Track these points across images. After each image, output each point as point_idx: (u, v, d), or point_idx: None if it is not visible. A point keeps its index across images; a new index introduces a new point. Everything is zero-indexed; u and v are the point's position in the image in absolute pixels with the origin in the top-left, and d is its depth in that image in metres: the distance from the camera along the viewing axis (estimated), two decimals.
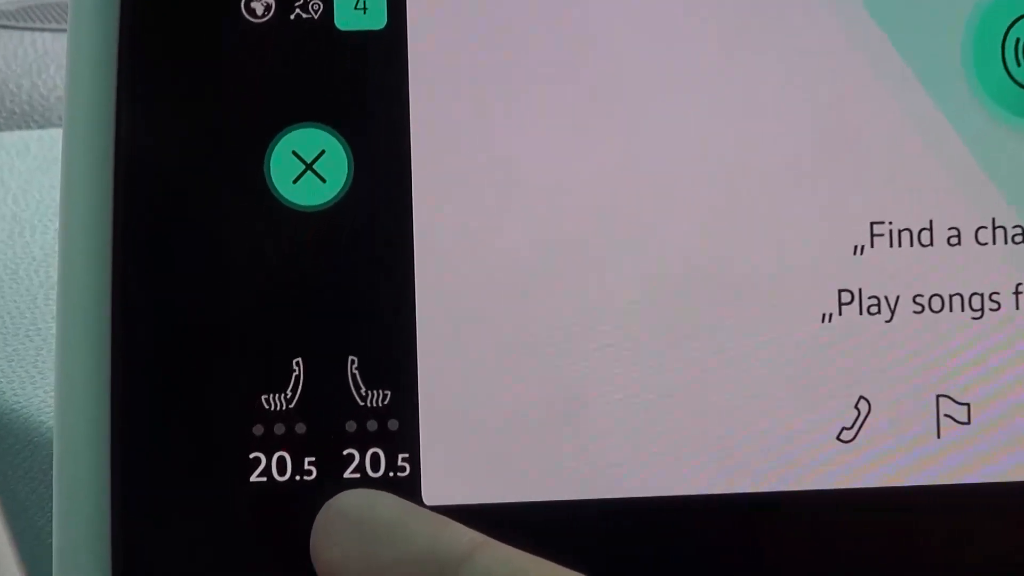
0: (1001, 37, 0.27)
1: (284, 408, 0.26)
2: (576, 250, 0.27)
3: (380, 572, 0.23)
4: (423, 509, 0.25)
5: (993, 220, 0.27)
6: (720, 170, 0.27)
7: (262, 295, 0.27)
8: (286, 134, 0.27)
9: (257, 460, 0.26)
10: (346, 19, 0.27)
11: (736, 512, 0.27)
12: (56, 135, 0.48)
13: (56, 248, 0.26)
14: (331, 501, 0.25)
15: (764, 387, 0.27)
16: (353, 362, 0.27)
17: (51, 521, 0.26)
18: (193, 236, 0.27)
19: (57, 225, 0.27)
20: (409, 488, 0.26)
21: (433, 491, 0.27)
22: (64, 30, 0.33)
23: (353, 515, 0.24)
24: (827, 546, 0.27)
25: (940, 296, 0.27)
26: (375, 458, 0.26)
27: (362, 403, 0.27)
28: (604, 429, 0.27)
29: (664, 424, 0.27)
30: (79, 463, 0.27)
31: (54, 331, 0.27)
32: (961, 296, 0.27)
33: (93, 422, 0.27)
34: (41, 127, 0.54)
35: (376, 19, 0.27)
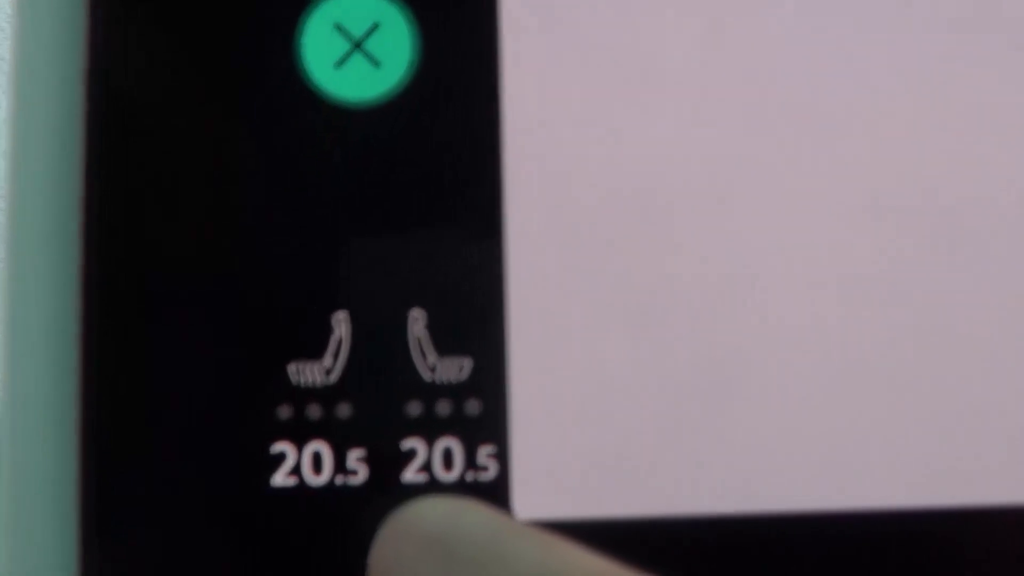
0: None
1: (321, 382, 0.23)
2: (728, 168, 0.23)
3: None
4: (526, 526, 0.21)
5: None
6: (933, 63, 0.23)
7: (291, 223, 0.23)
8: (325, 1, 0.23)
9: (281, 456, 0.23)
10: None
11: (873, 532, 0.23)
12: None
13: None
14: (399, 513, 0.21)
15: (991, 369, 0.23)
16: (418, 319, 0.23)
17: None
18: (193, 143, 0.23)
19: None
20: (494, 495, 0.23)
21: (528, 500, 0.23)
22: None
23: (433, 533, 0.20)
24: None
25: None
26: (447, 454, 0.23)
27: (430, 376, 0.23)
28: (761, 423, 0.23)
29: (847, 419, 0.23)
30: (34, 456, 0.23)
31: None
32: None
33: (53, 397, 0.23)
34: None
35: None
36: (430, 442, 0.23)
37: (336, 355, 0.23)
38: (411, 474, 0.23)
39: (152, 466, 0.23)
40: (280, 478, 0.23)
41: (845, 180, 0.23)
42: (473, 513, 0.20)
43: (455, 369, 0.23)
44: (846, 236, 0.23)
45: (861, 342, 0.23)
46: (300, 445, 0.23)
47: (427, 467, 0.23)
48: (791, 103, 0.23)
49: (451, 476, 0.23)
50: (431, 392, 0.23)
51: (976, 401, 0.23)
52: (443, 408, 0.23)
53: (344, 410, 0.23)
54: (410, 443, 0.23)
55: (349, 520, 0.23)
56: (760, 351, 0.23)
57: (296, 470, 0.23)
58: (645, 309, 0.23)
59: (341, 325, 0.23)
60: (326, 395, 0.23)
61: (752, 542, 0.23)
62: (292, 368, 0.23)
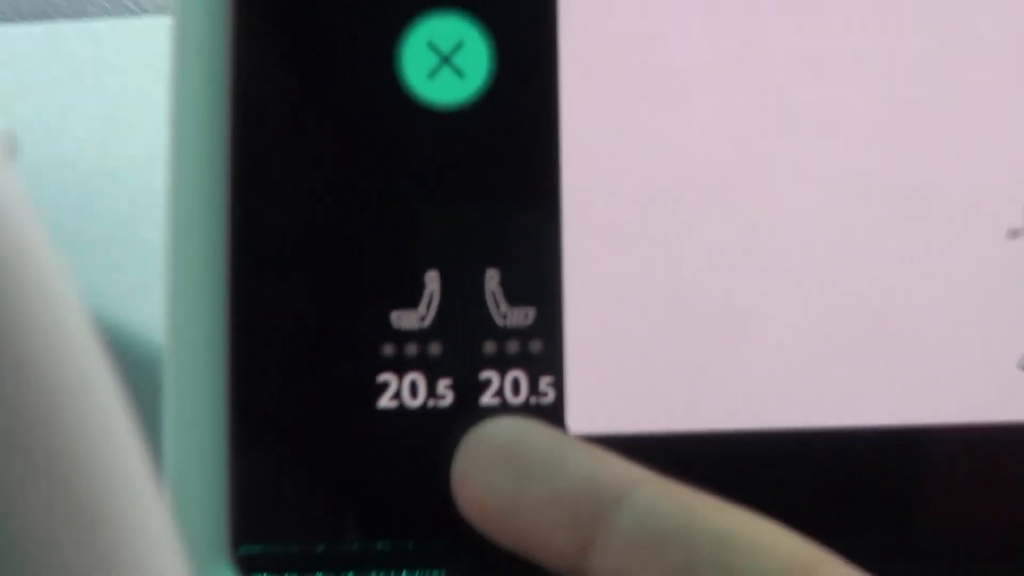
0: None
1: (417, 327, 0.24)
2: (742, 156, 0.25)
3: (532, 509, 0.21)
4: (579, 442, 0.22)
5: None
6: (897, 64, 0.24)
7: (393, 201, 0.25)
8: (421, 22, 0.25)
9: (386, 384, 0.24)
10: None
11: (906, 446, 0.24)
12: (154, 23, 0.44)
13: (160, 151, 0.24)
14: (477, 430, 0.22)
15: (940, 308, 0.24)
16: (493, 277, 0.24)
17: (158, 448, 0.23)
18: (317, 137, 0.25)
19: (160, 125, 0.25)
20: (552, 415, 0.24)
21: (579, 418, 0.25)
22: None
23: (503, 446, 0.21)
24: (1004, 483, 0.24)
25: None
26: (515, 383, 0.24)
27: (503, 322, 0.24)
28: (765, 353, 0.24)
29: (830, 349, 0.24)
30: (192, 386, 0.25)
31: (159, 241, 0.25)
32: None
33: (207, 341, 0.25)
34: (135, 15, 0.50)
35: None
36: (502, 374, 0.24)
37: (429, 305, 0.24)
38: (487, 399, 0.24)
39: (284, 390, 0.24)
40: (385, 401, 0.24)
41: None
42: (536, 430, 0.22)
43: (522, 316, 0.24)
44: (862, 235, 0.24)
45: (857, 285, 0.24)
46: (400, 375, 0.24)
47: (500, 393, 0.24)
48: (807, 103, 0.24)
49: (518, 400, 0.24)
50: (503, 334, 0.24)
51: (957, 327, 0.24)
52: (512, 347, 0.24)
53: (435, 348, 0.24)
54: (487, 374, 0.24)
55: (440, 435, 0.24)
56: (777, 301, 0.24)
57: (397, 395, 0.24)
58: (672, 266, 0.24)
59: (433, 281, 0.25)
60: (421, 336, 0.24)
61: (770, 456, 0.24)
62: (394, 315, 0.24)
